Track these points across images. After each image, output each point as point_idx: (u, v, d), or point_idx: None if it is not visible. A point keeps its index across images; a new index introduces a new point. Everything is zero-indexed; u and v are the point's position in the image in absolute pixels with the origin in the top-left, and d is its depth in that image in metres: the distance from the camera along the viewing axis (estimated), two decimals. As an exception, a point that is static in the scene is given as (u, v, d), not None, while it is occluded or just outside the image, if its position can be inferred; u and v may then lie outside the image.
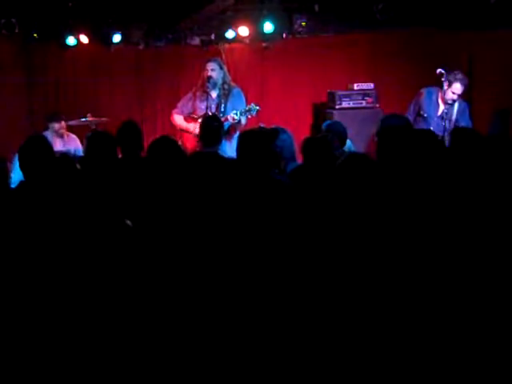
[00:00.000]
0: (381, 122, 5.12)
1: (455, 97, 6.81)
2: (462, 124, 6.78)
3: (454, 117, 6.77)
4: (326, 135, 5.35)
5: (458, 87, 6.76)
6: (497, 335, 2.88)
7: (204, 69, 6.96)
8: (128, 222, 3.16)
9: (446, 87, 6.78)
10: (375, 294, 2.96)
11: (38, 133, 7.15)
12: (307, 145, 4.99)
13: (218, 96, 6.93)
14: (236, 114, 6.65)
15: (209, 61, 7.04)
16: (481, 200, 3.58)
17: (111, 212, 3.53)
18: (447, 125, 6.71)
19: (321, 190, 3.86)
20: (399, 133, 4.33)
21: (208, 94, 6.86)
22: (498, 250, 3.18)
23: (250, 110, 6.66)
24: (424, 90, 7.03)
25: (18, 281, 3.06)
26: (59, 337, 2.86)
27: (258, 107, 6.68)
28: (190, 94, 7.14)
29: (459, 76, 6.77)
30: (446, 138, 6.62)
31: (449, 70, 6.79)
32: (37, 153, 4.14)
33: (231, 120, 6.68)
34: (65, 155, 4.28)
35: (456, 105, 6.81)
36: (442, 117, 6.85)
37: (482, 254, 3.15)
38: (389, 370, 2.81)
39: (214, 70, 6.92)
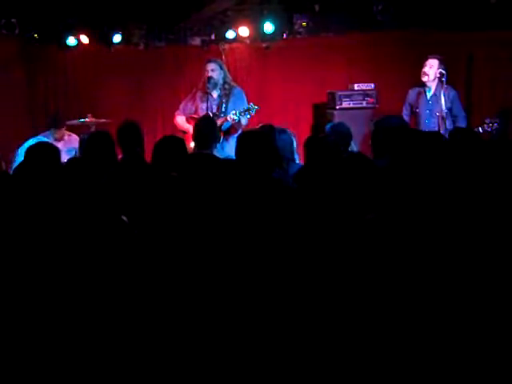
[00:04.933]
0: (374, 124, 5.13)
1: (427, 71, 7.06)
2: (455, 111, 7.04)
3: (444, 106, 6.84)
4: (327, 136, 5.34)
5: (426, 64, 7.07)
6: (497, 336, 2.87)
7: (204, 70, 6.97)
8: (124, 218, 3.16)
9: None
10: (376, 294, 2.96)
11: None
12: (308, 143, 5.00)
13: (219, 96, 6.94)
14: (235, 114, 6.64)
15: (209, 61, 7.06)
16: (481, 200, 3.58)
17: (107, 209, 3.52)
18: (437, 116, 6.89)
19: (321, 191, 3.85)
20: (393, 133, 4.33)
21: (209, 94, 6.87)
22: (498, 251, 3.18)
23: (249, 110, 6.65)
24: (410, 90, 7.35)
25: (15, 277, 3.06)
26: (53, 332, 2.85)
27: (257, 107, 6.67)
28: (191, 95, 7.16)
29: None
30: (441, 128, 6.82)
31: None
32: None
33: (231, 120, 6.67)
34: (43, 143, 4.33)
35: (442, 93, 6.88)
36: (429, 108, 7.10)
37: (483, 254, 3.14)
38: (389, 370, 2.81)
39: (214, 71, 6.93)
